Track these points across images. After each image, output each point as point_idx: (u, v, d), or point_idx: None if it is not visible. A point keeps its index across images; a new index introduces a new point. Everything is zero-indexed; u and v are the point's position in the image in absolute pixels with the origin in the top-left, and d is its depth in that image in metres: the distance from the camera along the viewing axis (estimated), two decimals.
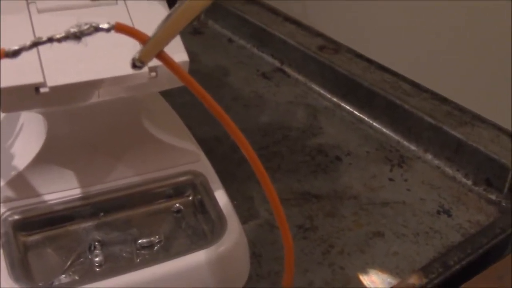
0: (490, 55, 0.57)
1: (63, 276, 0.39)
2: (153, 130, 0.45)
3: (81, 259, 0.40)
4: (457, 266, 0.40)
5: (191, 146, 0.47)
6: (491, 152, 0.52)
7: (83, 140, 0.42)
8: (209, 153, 0.47)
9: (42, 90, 0.34)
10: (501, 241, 0.43)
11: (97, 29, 0.29)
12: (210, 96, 0.32)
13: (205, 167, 0.46)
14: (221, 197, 0.43)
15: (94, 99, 0.37)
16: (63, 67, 0.35)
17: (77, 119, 0.41)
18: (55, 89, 0.34)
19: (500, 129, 0.55)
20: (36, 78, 0.34)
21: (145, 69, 0.36)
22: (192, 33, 0.77)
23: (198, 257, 0.39)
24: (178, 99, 0.51)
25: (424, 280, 0.39)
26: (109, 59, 0.36)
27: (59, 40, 0.29)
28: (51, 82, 0.34)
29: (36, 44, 0.29)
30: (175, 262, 0.38)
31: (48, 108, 0.37)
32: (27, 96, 0.34)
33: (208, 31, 0.78)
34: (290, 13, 0.75)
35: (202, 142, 0.48)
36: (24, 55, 0.29)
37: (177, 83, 0.39)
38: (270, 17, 0.75)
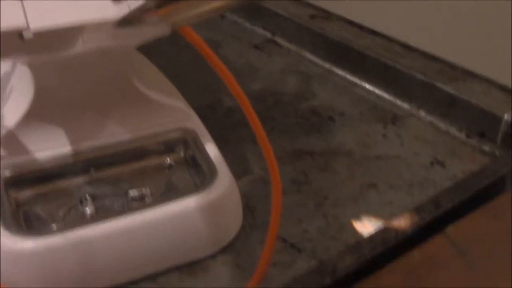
0: (479, 12, 0.57)
1: (54, 226, 0.39)
2: (143, 89, 0.45)
3: (73, 212, 0.40)
4: (449, 205, 0.40)
5: (181, 104, 0.47)
6: (483, 104, 0.52)
7: (72, 97, 0.42)
8: (202, 120, 0.47)
9: (25, 34, 0.34)
10: (495, 182, 0.43)
11: None
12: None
13: (195, 124, 0.46)
14: (211, 150, 0.43)
15: (79, 46, 0.37)
16: (46, 10, 0.35)
17: (64, 73, 0.41)
18: (39, 34, 0.34)
19: (491, 82, 0.54)
20: (19, 22, 0.34)
21: None
22: None
23: (189, 203, 0.39)
24: (169, 71, 0.51)
25: (416, 219, 0.39)
26: (93, 2, 0.35)
27: None
28: (34, 25, 0.34)
29: None
30: (166, 207, 0.38)
31: (34, 56, 0.37)
32: (12, 42, 0.35)
33: None
34: None
35: (196, 110, 0.48)
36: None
37: (161, 32, 0.40)
38: None
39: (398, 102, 0.58)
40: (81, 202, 0.41)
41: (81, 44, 0.37)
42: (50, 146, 0.42)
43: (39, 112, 0.42)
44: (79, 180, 0.42)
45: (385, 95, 0.59)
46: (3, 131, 0.41)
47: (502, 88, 0.54)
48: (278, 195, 0.34)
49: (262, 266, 0.34)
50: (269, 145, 0.35)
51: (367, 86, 0.60)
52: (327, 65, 0.64)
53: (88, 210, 0.40)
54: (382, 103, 0.58)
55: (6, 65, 0.45)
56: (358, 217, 0.44)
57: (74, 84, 0.41)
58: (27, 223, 0.39)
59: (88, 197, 0.41)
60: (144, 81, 0.45)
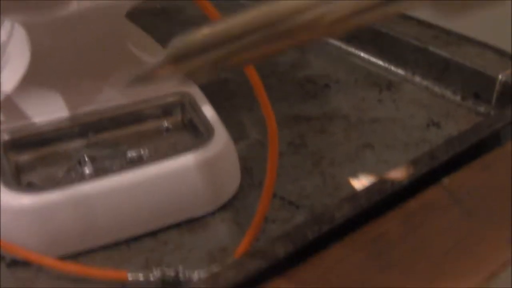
0: None
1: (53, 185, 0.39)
2: (138, 53, 0.45)
3: (71, 173, 0.41)
4: (445, 158, 0.40)
5: None
6: (477, 66, 0.52)
7: (69, 61, 0.43)
8: (200, 89, 0.47)
9: None
10: (489, 137, 0.43)
11: None
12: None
13: (191, 87, 0.46)
14: (208, 112, 0.44)
15: (74, 4, 0.37)
16: None
17: (60, 36, 0.41)
18: None
19: (485, 45, 0.55)
20: None
21: None
22: None
23: (186, 160, 0.39)
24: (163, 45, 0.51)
25: (412, 170, 0.39)
26: None
27: None
28: None
29: None
30: (164, 164, 0.39)
31: (28, 14, 0.38)
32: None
33: None
34: None
35: None
36: None
37: None
38: None
39: (393, 68, 0.58)
40: (79, 163, 0.41)
41: (75, 2, 0.37)
42: (48, 111, 0.42)
43: (36, 77, 0.42)
44: (77, 143, 0.43)
45: (380, 62, 0.59)
46: (2, 96, 0.42)
47: (497, 50, 0.54)
48: (275, 142, 0.34)
49: (259, 217, 0.35)
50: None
51: (362, 54, 0.61)
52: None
53: (87, 170, 0.40)
54: (377, 70, 0.59)
55: (4, 30, 0.45)
56: (354, 175, 0.44)
57: (70, 47, 0.42)
58: (26, 184, 0.40)
59: (86, 158, 0.41)
60: (139, 46, 0.46)
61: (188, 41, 0.25)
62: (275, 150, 0.35)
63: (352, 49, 0.62)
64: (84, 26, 0.40)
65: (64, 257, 0.37)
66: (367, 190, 0.38)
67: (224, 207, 0.41)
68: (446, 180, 0.39)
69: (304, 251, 0.33)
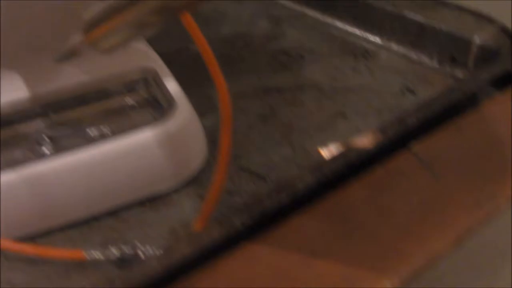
0: None
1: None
2: None
3: (30, 153, 0.39)
4: (413, 121, 0.39)
5: (139, 44, 0.46)
6: (453, 29, 0.51)
7: (25, 40, 0.41)
8: (169, 65, 0.45)
9: None
10: (461, 100, 0.42)
11: None
12: None
13: (155, 62, 0.45)
14: (171, 86, 0.42)
15: None
16: None
17: (13, 14, 0.39)
18: None
19: (462, 9, 0.53)
20: None
21: None
22: None
23: (146, 134, 0.38)
24: None
25: (380, 136, 0.38)
26: None
27: None
28: None
29: None
30: (123, 139, 0.38)
31: None
32: None
33: None
34: None
35: (162, 55, 0.46)
36: None
37: None
38: None
39: (369, 36, 0.57)
40: (38, 144, 0.40)
41: None
42: (6, 91, 0.41)
43: None
44: (38, 124, 0.41)
45: (356, 31, 0.58)
46: None
47: (473, 13, 0.52)
48: (227, 109, 0.33)
49: (215, 188, 0.34)
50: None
51: (338, 24, 0.59)
52: (298, 7, 0.63)
53: (46, 150, 0.39)
54: (353, 39, 0.57)
55: None
56: (325, 144, 0.43)
57: (24, 22, 0.40)
58: None
59: (45, 138, 0.40)
60: None
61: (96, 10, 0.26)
62: (228, 117, 0.34)
63: (328, 19, 0.60)
64: (40, 4, 0.39)
65: (22, 239, 0.36)
66: (332, 159, 0.36)
67: (190, 182, 0.40)
68: (415, 145, 0.38)
69: (264, 222, 0.32)
